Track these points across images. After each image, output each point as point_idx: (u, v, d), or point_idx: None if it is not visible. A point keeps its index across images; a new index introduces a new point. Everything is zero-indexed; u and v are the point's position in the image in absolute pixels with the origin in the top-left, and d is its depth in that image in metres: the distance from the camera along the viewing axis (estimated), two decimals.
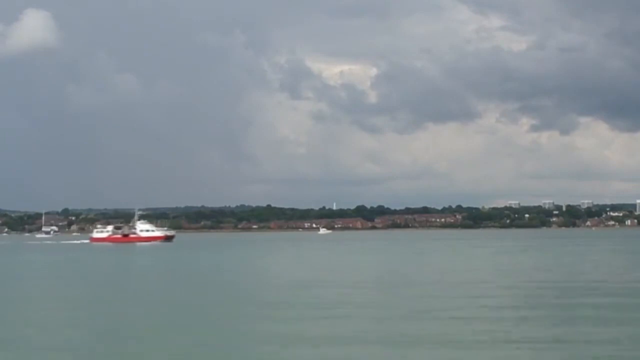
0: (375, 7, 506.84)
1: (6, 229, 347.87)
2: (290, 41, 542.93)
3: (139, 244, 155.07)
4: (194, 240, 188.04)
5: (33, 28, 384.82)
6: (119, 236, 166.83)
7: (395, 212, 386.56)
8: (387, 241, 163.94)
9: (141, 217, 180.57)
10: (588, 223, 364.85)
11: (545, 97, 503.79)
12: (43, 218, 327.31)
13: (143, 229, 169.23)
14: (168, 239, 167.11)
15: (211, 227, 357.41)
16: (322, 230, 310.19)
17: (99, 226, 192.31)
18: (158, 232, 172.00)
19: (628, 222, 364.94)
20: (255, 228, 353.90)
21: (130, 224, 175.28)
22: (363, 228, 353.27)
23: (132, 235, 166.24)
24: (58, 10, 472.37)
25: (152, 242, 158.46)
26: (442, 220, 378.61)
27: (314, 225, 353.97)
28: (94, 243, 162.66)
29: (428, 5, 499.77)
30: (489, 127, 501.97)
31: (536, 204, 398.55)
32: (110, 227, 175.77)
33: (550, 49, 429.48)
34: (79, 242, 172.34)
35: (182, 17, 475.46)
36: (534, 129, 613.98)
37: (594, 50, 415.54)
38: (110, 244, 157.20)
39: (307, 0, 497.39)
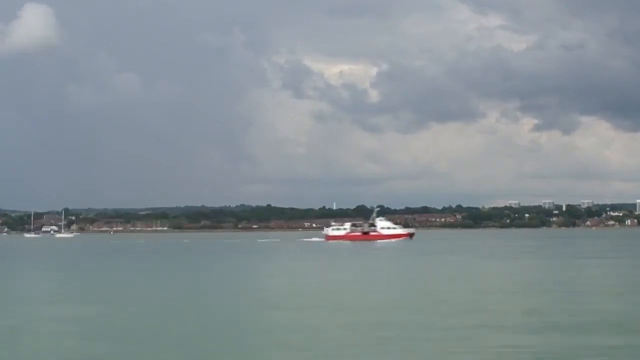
0: (375, 7, 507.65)
1: (6, 229, 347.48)
2: (290, 41, 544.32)
3: (379, 242, 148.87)
4: (424, 237, 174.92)
5: (33, 24, 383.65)
6: (358, 234, 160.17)
7: (395, 212, 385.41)
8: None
9: (379, 214, 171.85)
10: (588, 223, 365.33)
11: (546, 97, 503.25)
12: (32, 218, 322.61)
13: (384, 226, 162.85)
14: (410, 236, 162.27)
15: (211, 227, 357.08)
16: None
17: (333, 223, 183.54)
18: (400, 230, 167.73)
19: (628, 222, 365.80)
20: (255, 228, 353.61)
21: (370, 221, 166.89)
22: None
23: (372, 233, 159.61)
24: (58, 9, 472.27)
25: (394, 240, 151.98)
26: (442, 220, 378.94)
27: (314, 225, 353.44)
28: (330, 241, 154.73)
29: (428, 5, 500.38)
30: (489, 126, 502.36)
31: (536, 204, 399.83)
32: (347, 225, 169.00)
33: (550, 48, 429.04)
34: (315, 239, 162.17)
35: (182, 17, 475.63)
36: (536, 128, 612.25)
37: (594, 50, 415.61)
38: (348, 242, 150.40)
39: (307, 0, 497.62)
